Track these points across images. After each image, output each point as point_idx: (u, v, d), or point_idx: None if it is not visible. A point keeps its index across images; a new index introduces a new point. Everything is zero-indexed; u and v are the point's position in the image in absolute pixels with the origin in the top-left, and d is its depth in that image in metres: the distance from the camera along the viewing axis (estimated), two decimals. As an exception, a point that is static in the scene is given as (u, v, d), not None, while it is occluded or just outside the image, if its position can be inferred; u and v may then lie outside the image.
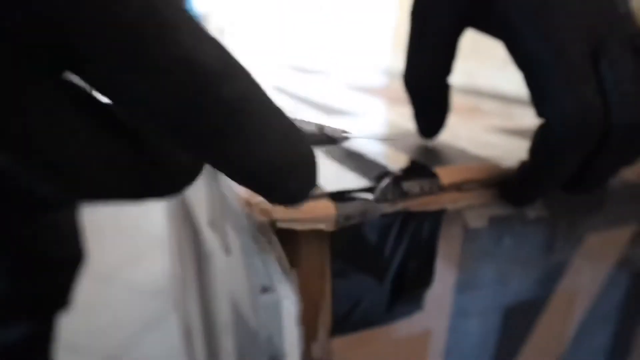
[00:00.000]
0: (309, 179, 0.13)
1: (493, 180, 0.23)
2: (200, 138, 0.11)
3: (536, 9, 0.20)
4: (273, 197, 0.13)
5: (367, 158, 0.24)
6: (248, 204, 0.19)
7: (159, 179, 0.12)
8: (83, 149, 0.10)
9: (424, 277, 0.23)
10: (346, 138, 0.15)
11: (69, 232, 0.58)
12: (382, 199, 0.20)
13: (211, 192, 0.28)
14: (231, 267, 0.26)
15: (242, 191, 0.20)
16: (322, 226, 0.18)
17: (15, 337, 0.57)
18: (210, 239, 0.30)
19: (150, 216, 1.72)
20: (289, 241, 0.19)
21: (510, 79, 0.68)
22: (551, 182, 0.21)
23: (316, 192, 0.20)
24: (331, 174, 0.22)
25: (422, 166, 0.22)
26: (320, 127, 0.15)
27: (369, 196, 0.19)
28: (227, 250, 0.26)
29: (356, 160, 0.24)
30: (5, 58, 0.09)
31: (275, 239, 0.18)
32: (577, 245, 0.29)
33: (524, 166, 0.21)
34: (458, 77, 0.78)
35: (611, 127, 0.19)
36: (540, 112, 0.20)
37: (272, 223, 0.18)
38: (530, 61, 0.20)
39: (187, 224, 0.47)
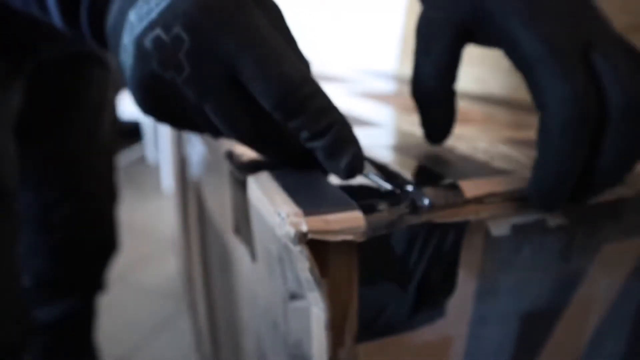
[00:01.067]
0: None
1: (514, 194, 0.23)
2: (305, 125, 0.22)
3: (531, 16, 0.23)
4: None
5: (390, 169, 0.25)
6: (279, 215, 0.20)
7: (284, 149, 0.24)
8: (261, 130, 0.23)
9: (447, 285, 0.23)
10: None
11: (111, 223, 0.71)
12: (409, 212, 0.20)
13: (236, 200, 0.28)
14: (258, 273, 0.27)
15: (273, 203, 0.21)
16: (351, 237, 0.19)
17: (59, 314, 0.66)
18: (236, 245, 0.31)
19: (161, 218, 1.74)
20: (319, 251, 0.20)
21: (523, 85, 0.69)
22: (564, 172, 0.21)
23: (345, 204, 0.20)
24: (357, 187, 0.23)
25: (447, 180, 0.23)
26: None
27: (397, 209, 0.20)
28: (253, 257, 0.27)
29: (380, 172, 0.25)
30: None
31: (306, 250, 0.19)
32: (593, 255, 0.29)
33: (536, 163, 0.22)
34: (470, 83, 0.78)
35: (611, 111, 0.21)
36: (539, 105, 0.22)
37: (304, 235, 0.19)
38: (528, 61, 0.22)
39: (206, 228, 0.48)
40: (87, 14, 0.25)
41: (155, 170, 2.31)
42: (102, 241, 0.71)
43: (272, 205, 0.21)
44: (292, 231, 0.19)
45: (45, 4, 0.26)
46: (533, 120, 0.43)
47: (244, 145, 0.24)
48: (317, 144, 0.22)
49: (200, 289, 0.61)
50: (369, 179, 0.23)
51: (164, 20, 0.21)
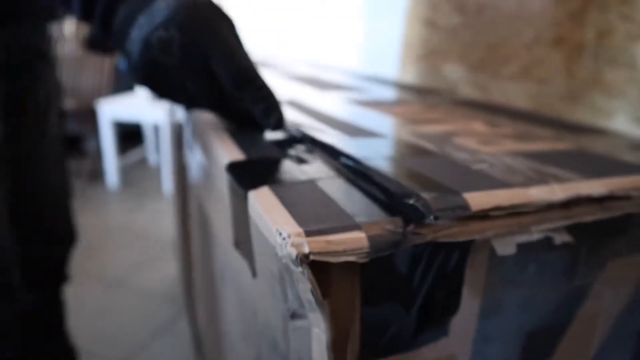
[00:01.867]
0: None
1: (521, 208, 0.23)
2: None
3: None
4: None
5: (390, 182, 0.24)
6: (280, 235, 0.19)
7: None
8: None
9: (451, 305, 0.23)
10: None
11: (69, 213, 0.73)
12: (413, 230, 0.20)
13: (236, 214, 0.28)
14: (258, 290, 0.26)
15: (274, 221, 0.20)
16: (354, 258, 0.19)
17: (28, 305, 0.66)
18: (235, 258, 0.31)
19: (161, 221, 1.73)
20: (320, 271, 0.19)
21: (524, 92, 0.68)
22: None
23: (347, 223, 0.20)
24: (358, 202, 0.23)
25: (452, 192, 0.23)
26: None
27: (401, 229, 0.20)
28: (253, 272, 0.26)
29: (381, 183, 0.24)
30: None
31: (308, 271, 0.18)
32: (599, 271, 0.29)
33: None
34: (471, 90, 0.78)
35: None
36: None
37: (305, 256, 0.18)
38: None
39: (207, 235, 0.48)
40: (102, 8, 0.36)
41: (156, 172, 2.31)
42: (59, 234, 0.73)
43: (273, 223, 0.20)
44: (293, 253, 0.18)
45: None
46: (536, 130, 0.42)
47: (208, 111, 0.38)
48: (255, 109, 0.34)
49: (201, 295, 0.61)
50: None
51: (165, 24, 0.33)
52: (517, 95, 0.64)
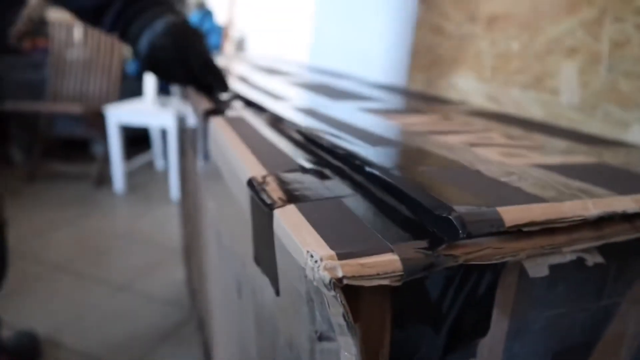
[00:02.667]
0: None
1: (555, 223, 0.22)
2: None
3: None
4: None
5: (421, 194, 0.24)
6: (312, 258, 0.19)
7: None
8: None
9: (480, 327, 0.23)
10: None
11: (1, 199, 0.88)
12: (447, 253, 0.20)
13: (258, 231, 0.28)
14: (281, 308, 0.26)
15: (304, 242, 0.20)
16: (387, 282, 0.18)
17: None
18: (255, 274, 0.30)
19: (169, 225, 1.73)
20: (352, 294, 0.19)
21: (536, 100, 0.68)
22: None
23: (378, 245, 0.20)
24: (387, 221, 0.22)
25: (485, 205, 0.22)
26: None
27: (434, 251, 0.19)
28: (277, 291, 0.26)
29: (411, 196, 0.24)
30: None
31: (341, 295, 0.18)
32: (626, 290, 0.28)
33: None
34: (482, 98, 0.78)
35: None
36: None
37: (339, 280, 0.18)
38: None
39: (215, 247, 0.47)
40: (113, 15, 0.62)
41: (163, 176, 2.31)
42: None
43: (303, 244, 0.20)
44: (327, 277, 0.18)
45: None
46: (553, 142, 0.42)
47: (186, 85, 0.67)
48: (214, 83, 0.63)
49: (212, 304, 0.60)
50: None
51: (164, 34, 0.60)
52: (527, 103, 0.64)
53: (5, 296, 1.27)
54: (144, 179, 2.28)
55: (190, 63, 0.61)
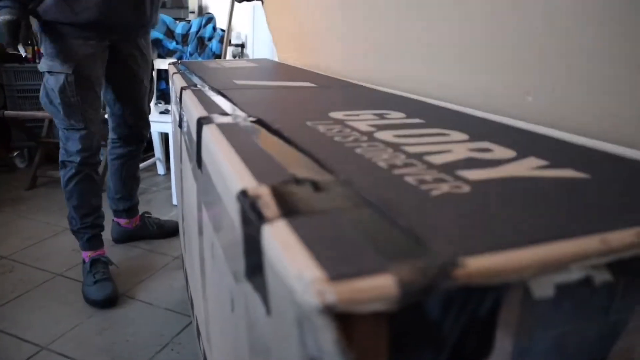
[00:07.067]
0: None
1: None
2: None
3: None
4: None
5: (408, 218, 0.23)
6: (301, 280, 0.18)
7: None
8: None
9: (482, 350, 0.21)
10: None
11: None
12: (447, 273, 0.18)
13: (248, 246, 0.27)
14: (273, 328, 0.25)
15: (294, 262, 0.19)
16: (382, 307, 0.17)
17: None
18: (248, 290, 0.29)
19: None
20: (344, 318, 0.18)
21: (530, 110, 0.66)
22: None
23: (373, 265, 0.18)
24: (383, 236, 0.21)
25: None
26: None
27: (433, 271, 0.18)
28: (268, 310, 0.25)
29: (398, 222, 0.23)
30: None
31: (331, 321, 0.17)
32: (634, 306, 0.27)
33: None
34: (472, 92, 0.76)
35: None
36: None
37: (330, 307, 0.17)
38: None
39: (211, 257, 0.46)
40: None
41: (164, 182, 2.30)
42: None
43: (291, 264, 0.19)
44: (316, 303, 0.17)
45: None
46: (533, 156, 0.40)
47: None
48: None
49: (209, 316, 0.59)
50: None
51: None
52: (521, 113, 0.63)
53: (2, 303, 1.26)
54: (146, 184, 2.27)
55: None
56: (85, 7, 1.14)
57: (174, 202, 2.00)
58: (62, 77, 1.18)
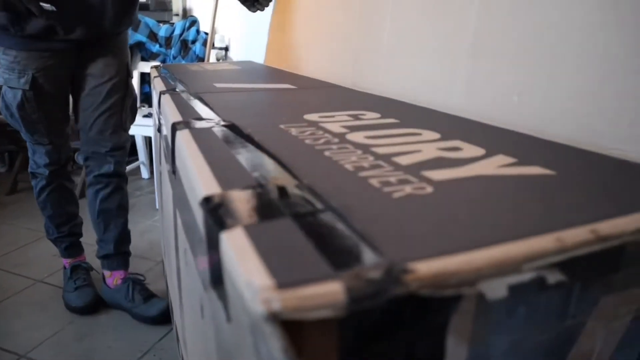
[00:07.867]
0: None
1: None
2: None
3: None
4: None
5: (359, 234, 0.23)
6: (250, 287, 0.18)
7: None
8: None
9: (435, 356, 0.22)
10: None
11: None
12: (396, 279, 0.19)
13: (211, 255, 0.27)
14: (233, 335, 0.25)
15: (246, 270, 0.19)
16: (330, 314, 0.17)
17: None
18: (212, 298, 0.29)
19: (151, 238, 1.71)
20: (293, 325, 0.18)
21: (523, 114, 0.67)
22: None
23: (322, 272, 0.19)
24: (340, 242, 0.21)
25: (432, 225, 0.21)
26: None
27: (382, 277, 0.19)
28: (228, 317, 0.25)
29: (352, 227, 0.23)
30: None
31: (279, 329, 0.17)
32: (591, 308, 0.28)
33: None
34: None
35: None
36: None
37: (276, 315, 0.17)
38: None
39: (185, 264, 0.46)
40: None
41: (148, 186, 2.29)
42: None
43: (243, 271, 0.19)
44: (263, 310, 0.17)
45: None
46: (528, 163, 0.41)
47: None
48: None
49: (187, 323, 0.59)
50: None
51: None
52: (516, 117, 0.63)
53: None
54: (130, 188, 2.23)
55: None
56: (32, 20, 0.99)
57: (157, 206, 1.98)
58: (19, 94, 1.06)
